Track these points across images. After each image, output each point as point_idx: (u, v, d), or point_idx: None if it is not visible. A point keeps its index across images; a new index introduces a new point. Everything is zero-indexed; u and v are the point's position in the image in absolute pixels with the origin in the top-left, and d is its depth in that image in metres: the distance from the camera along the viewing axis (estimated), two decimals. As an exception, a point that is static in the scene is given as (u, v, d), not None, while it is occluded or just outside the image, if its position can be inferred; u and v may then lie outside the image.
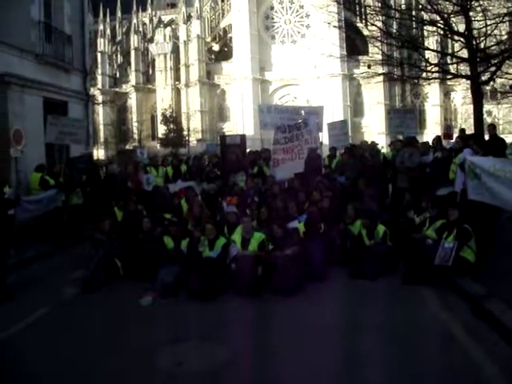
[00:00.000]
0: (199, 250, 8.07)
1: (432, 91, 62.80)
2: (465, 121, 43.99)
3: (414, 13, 19.56)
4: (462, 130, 14.48)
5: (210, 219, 9.21)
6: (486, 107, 16.58)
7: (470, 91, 17.73)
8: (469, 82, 16.91)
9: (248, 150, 15.90)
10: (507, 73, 19.65)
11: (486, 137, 11.83)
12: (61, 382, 4.82)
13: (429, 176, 10.78)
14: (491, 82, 18.14)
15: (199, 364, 5.12)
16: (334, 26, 23.94)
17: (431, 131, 17.68)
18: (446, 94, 66.10)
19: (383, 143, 35.95)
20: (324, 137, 14.81)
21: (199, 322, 6.43)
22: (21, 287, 8.14)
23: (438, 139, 12.64)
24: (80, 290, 7.98)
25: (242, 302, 7.14)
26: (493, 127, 11.75)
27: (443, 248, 7.36)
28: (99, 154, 52.45)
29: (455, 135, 14.69)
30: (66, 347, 5.64)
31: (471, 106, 20.42)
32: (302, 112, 14.96)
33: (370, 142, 14.89)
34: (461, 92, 46.05)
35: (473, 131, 15.05)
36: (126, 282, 8.35)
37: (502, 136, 12.78)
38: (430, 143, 12.94)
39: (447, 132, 17.32)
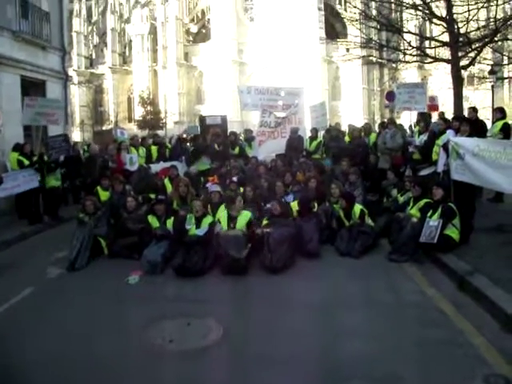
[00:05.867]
0: (186, 228, 8.05)
1: (409, 76, 63.11)
2: (442, 105, 44.46)
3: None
4: (442, 113, 14.61)
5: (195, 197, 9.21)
6: (463, 92, 16.72)
7: (446, 76, 17.94)
8: (448, 66, 17.08)
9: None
10: (485, 58, 19.94)
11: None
12: (48, 362, 4.74)
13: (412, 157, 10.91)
14: (469, 68, 18.31)
15: (189, 341, 5.12)
16: (318, 8, 23.91)
17: (408, 114, 17.84)
18: (423, 79, 66.52)
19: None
20: (306, 119, 14.87)
21: (187, 299, 6.43)
22: (3, 268, 8.02)
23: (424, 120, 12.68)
24: (64, 270, 7.90)
25: (230, 279, 7.15)
26: (472, 110, 11.90)
27: (428, 226, 7.48)
28: (75, 135, 51.70)
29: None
30: (53, 327, 5.59)
31: (448, 91, 20.67)
32: (282, 93, 14.97)
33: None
34: (438, 77, 46.48)
35: (451, 115, 15.20)
36: (111, 262, 8.33)
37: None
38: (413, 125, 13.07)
39: (432, 104, 17.22)
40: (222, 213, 8.37)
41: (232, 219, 8.14)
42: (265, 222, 8.24)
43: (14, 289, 6.92)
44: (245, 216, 8.20)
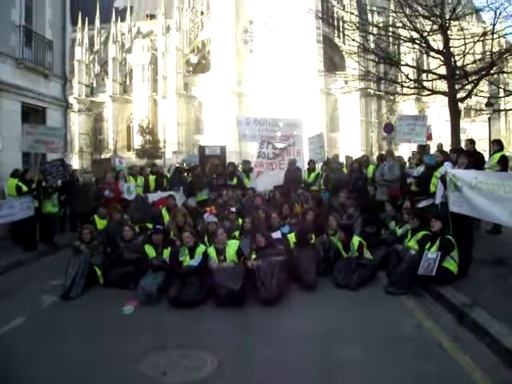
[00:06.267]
0: (180, 260, 7.98)
1: (407, 108, 63.76)
2: (439, 137, 44.86)
3: (391, 29, 19.98)
4: (440, 145, 14.69)
5: (192, 229, 9.18)
6: (460, 124, 16.83)
7: (444, 108, 18.08)
8: (445, 99, 17.24)
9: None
10: (482, 91, 20.13)
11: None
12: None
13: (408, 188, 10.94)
14: (466, 100, 18.49)
15: (184, 374, 5.05)
16: (317, 41, 24.27)
17: (406, 145, 17.87)
18: (421, 111, 67.14)
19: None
20: (305, 150, 14.90)
21: (181, 331, 6.35)
22: (-4, 296, 7.94)
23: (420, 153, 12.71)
24: (58, 298, 7.82)
25: (225, 311, 7.05)
26: (470, 142, 11.95)
27: (427, 258, 7.43)
28: (74, 163, 51.76)
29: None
30: (44, 358, 5.49)
31: (445, 123, 20.85)
32: (281, 124, 15.00)
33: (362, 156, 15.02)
34: (435, 109, 47.01)
35: (449, 147, 15.27)
36: (106, 291, 8.23)
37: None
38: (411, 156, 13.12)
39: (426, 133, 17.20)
40: (211, 247, 8.30)
41: (220, 252, 8.09)
42: (253, 256, 8.13)
43: (7, 316, 6.83)
44: (233, 245, 8.17)
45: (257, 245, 8.31)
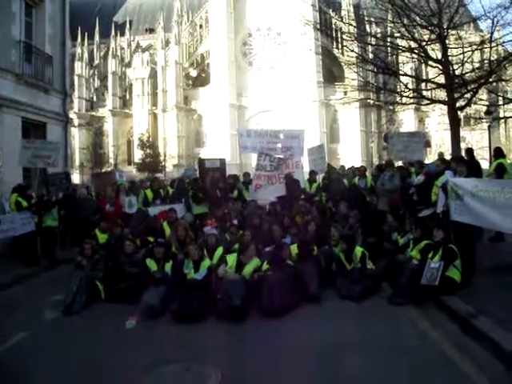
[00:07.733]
0: (184, 272, 7.95)
1: (406, 118, 63.93)
2: (439, 147, 44.91)
3: (390, 39, 20.08)
4: (441, 154, 14.67)
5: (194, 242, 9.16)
6: (460, 133, 16.90)
7: (443, 117, 18.12)
8: (444, 108, 17.28)
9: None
10: (481, 99, 20.20)
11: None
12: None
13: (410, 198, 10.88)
14: (465, 109, 18.54)
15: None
16: (315, 53, 24.29)
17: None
18: (421, 120, 67.31)
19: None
20: (305, 162, 14.86)
21: (184, 344, 6.29)
22: (-3, 311, 7.90)
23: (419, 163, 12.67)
24: (60, 314, 7.79)
25: (227, 324, 7.00)
26: (466, 151, 11.96)
27: (429, 268, 7.40)
28: (74, 178, 51.77)
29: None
30: (46, 374, 5.46)
31: (445, 133, 20.90)
32: (281, 135, 14.96)
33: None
34: (435, 118, 47.11)
35: (449, 156, 15.28)
36: (107, 306, 8.19)
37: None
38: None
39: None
40: (233, 257, 8.28)
41: (240, 265, 8.05)
42: (265, 266, 8.11)
43: (9, 332, 6.80)
44: (254, 264, 8.11)
45: (279, 256, 8.30)
